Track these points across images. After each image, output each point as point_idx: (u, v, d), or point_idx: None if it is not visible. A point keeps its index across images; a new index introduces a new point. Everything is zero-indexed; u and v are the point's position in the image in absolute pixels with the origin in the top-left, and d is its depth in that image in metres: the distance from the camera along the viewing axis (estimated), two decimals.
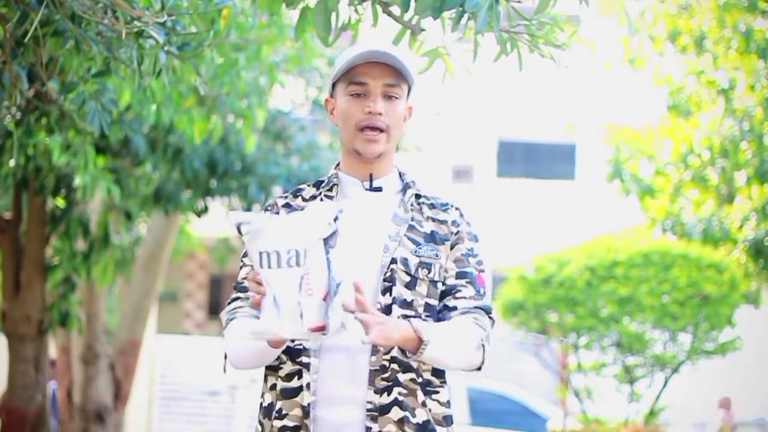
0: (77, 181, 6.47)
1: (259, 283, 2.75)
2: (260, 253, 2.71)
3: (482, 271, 3.09)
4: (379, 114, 3.00)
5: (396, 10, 3.65)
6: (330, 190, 3.09)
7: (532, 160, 20.74)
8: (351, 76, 3.02)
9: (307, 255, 2.70)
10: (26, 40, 3.83)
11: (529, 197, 20.35)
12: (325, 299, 2.70)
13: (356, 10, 3.80)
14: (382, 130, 3.02)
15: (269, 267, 2.70)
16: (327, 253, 2.74)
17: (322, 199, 3.07)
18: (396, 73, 3.02)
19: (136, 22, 3.69)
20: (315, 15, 3.59)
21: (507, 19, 3.46)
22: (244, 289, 3.04)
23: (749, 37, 11.65)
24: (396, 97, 3.03)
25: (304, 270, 2.70)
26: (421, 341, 2.88)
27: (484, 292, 3.06)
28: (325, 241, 2.74)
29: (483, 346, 3.00)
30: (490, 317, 3.05)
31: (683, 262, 10.38)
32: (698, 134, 11.98)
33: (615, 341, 10.38)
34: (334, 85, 3.08)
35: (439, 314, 3.02)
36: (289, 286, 2.70)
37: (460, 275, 3.04)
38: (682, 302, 10.27)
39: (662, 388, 10.61)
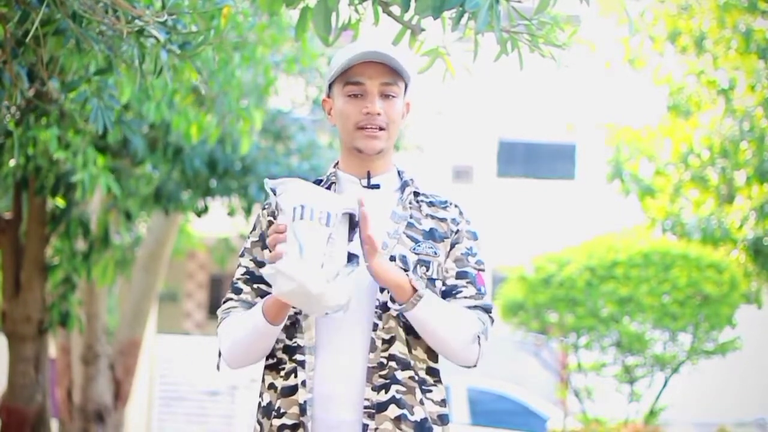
0: (76, 177, 6.46)
1: (280, 232, 2.80)
2: (294, 207, 2.81)
3: (482, 270, 3.10)
4: (378, 114, 3.01)
5: (396, 10, 3.65)
6: (328, 188, 3.10)
7: (532, 160, 20.74)
8: (347, 77, 3.03)
9: (336, 222, 2.80)
10: (27, 39, 3.84)
11: (529, 197, 20.34)
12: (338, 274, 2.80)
13: (356, 10, 3.80)
14: (381, 128, 3.03)
15: (301, 218, 2.79)
16: (351, 232, 2.86)
17: None
18: (392, 72, 3.03)
19: (137, 21, 3.69)
20: (315, 15, 3.60)
21: (507, 19, 3.46)
22: (239, 290, 3.06)
23: (749, 38, 11.65)
24: (393, 96, 3.04)
25: (330, 231, 2.79)
26: (414, 291, 2.90)
27: (485, 291, 3.08)
28: (351, 220, 2.86)
29: (479, 339, 3.01)
30: (489, 316, 3.07)
31: (683, 262, 10.37)
32: (698, 134, 11.98)
33: (615, 341, 10.38)
34: (330, 86, 3.09)
35: None
36: (316, 240, 2.78)
37: (460, 275, 3.05)
38: (682, 302, 10.26)
39: (662, 388, 10.60)
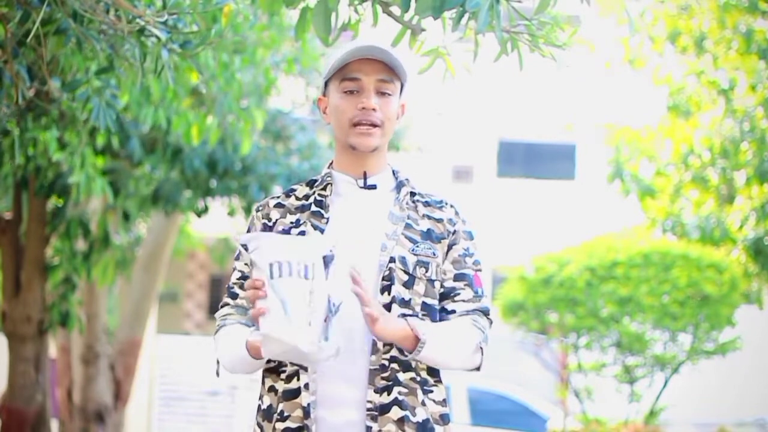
0: (72, 178, 6.46)
1: (258, 289, 2.77)
2: (270, 264, 2.76)
3: (479, 270, 3.10)
4: (373, 110, 3.01)
5: (396, 10, 3.65)
6: (324, 189, 3.09)
7: (532, 160, 20.74)
8: (344, 73, 3.03)
9: (314, 272, 2.76)
10: (28, 39, 3.84)
11: (529, 197, 20.34)
12: (325, 320, 2.77)
13: (356, 10, 3.80)
14: (376, 125, 3.02)
15: (280, 276, 2.75)
16: (326, 276, 2.80)
17: (316, 198, 3.08)
18: (389, 70, 3.03)
19: (138, 20, 3.69)
20: (315, 15, 3.59)
21: (507, 19, 3.46)
22: (235, 295, 3.06)
23: (750, 38, 11.65)
24: (389, 94, 3.03)
25: (310, 284, 2.76)
26: (418, 340, 2.90)
27: (482, 293, 3.08)
28: (325, 263, 2.80)
29: (481, 348, 3.02)
30: (488, 318, 3.07)
31: (683, 262, 10.38)
32: (698, 134, 11.98)
33: (615, 341, 10.38)
34: (326, 84, 3.09)
35: (437, 316, 3.04)
36: (298, 296, 2.75)
37: (458, 277, 3.05)
38: (682, 302, 10.26)
39: (662, 388, 10.60)
